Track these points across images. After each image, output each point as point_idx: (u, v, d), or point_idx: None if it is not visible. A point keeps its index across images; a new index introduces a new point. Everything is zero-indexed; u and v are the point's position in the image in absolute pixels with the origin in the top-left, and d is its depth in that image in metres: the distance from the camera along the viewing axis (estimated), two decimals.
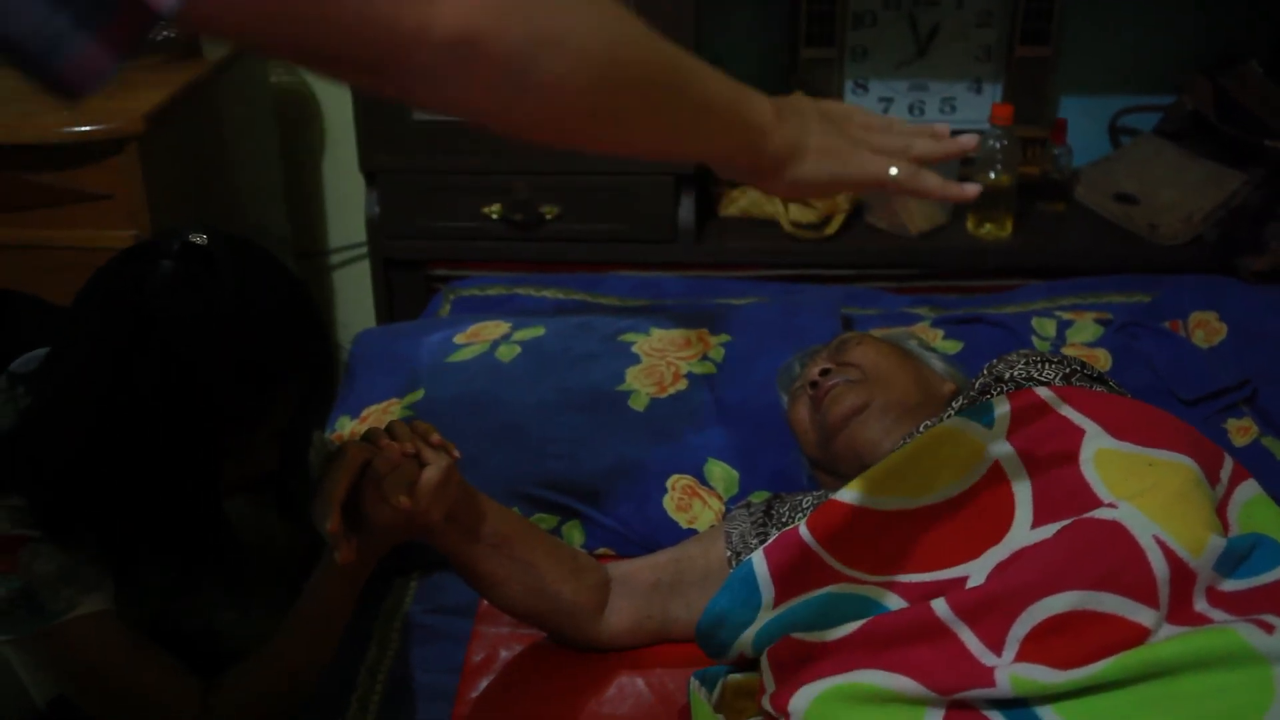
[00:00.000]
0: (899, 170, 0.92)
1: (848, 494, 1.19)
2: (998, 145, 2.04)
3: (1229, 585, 1.03)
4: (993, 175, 2.05)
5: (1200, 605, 1.01)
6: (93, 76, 0.56)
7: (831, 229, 2.09)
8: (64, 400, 1.12)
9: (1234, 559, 1.04)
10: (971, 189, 0.95)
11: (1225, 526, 1.12)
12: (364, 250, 2.42)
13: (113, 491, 1.12)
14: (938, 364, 1.52)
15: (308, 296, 1.17)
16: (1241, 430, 1.64)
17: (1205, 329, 1.81)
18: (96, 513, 1.14)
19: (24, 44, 0.54)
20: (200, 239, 1.10)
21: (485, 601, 1.37)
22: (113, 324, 1.08)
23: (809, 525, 1.19)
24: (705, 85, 0.80)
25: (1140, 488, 1.06)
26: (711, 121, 0.82)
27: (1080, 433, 1.14)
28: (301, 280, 1.19)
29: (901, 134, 0.96)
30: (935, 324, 1.80)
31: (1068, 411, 1.17)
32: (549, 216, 2.07)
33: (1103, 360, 1.71)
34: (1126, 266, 2.02)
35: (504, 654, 1.33)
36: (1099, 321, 1.78)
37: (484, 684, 1.30)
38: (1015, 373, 1.31)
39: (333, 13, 0.59)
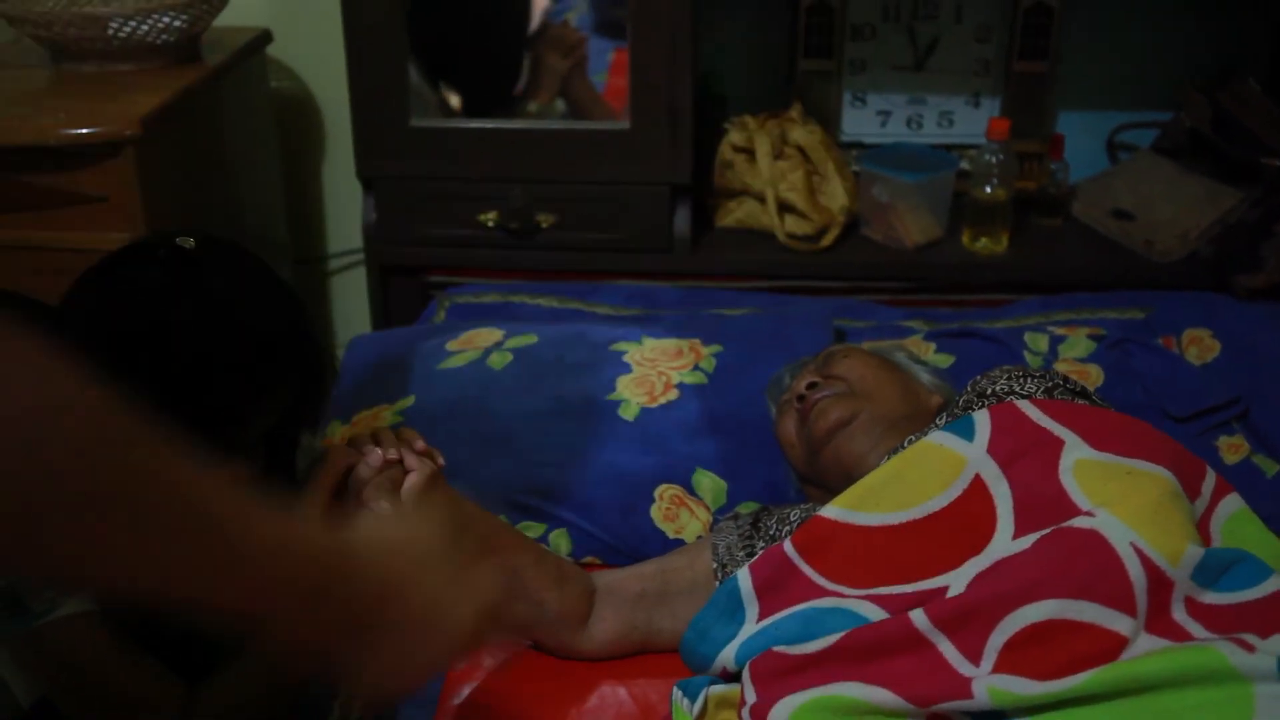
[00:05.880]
0: None
1: (832, 510, 1.19)
2: (994, 160, 2.04)
3: (1209, 598, 1.03)
4: (989, 190, 2.05)
5: (1178, 615, 1.01)
6: None
7: (827, 241, 2.09)
8: None
9: (1214, 571, 1.03)
10: None
11: (1207, 540, 1.12)
12: (361, 256, 2.42)
13: None
14: (925, 376, 1.52)
15: (296, 298, 1.17)
16: (1232, 448, 1.64)
17: (1199, 346, 1.80)
18: None
19: None
20: (188, 243, 1.11)
21: None
22: (99, 328, 1.08)
23: (794, 541, 1.19)
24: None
25: (1118, 495, 1.06)
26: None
27: (1060, 443, 1.14)
28: (289, 282, 1.19)
29: None
30: (928, 337, 1.80)
31: (1047, 423, 1.17)
32: (545, 225, 2.07)
33: (1094, 376, 1.70)
34: (1121, 282, 2.01)
35: (486, 661, 1.33)
36: (1092, 337, 1.78)
37: (465, 691, 1.29)
38: (997, 388, 1.31)
39: None
